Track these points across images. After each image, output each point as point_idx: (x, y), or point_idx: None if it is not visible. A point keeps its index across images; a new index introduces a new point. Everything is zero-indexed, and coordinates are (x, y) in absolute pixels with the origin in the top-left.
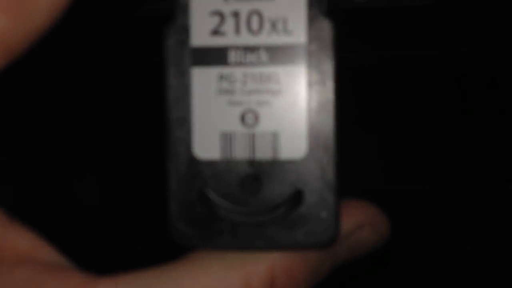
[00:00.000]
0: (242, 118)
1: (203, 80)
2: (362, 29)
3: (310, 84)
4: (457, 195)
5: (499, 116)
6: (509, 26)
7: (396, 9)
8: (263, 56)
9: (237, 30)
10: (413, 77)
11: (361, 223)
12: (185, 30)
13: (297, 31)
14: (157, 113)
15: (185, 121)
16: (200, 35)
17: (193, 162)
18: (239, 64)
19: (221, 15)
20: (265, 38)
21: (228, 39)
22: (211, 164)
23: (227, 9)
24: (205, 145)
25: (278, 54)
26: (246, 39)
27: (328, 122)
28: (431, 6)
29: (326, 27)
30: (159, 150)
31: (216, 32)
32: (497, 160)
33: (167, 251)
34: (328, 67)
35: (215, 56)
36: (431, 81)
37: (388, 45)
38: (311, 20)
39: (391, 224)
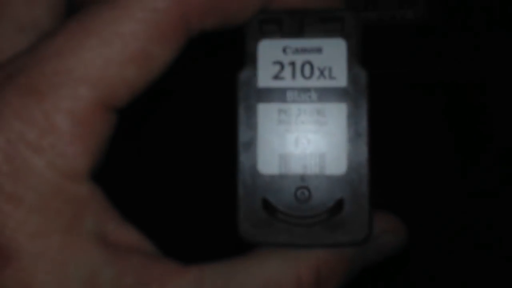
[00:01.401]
0: (296, 142)
1: (266, 113)
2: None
3: (349, 117)
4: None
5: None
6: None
7: (387, 27)
8: (313, 95)
9: (293, 75)
10: (398, 95)
11: (386, 229)
12: (253, 75)
13: (340, 77)
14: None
15: (252, 144)
16: (265, 79)
17: (257, 176)
18: (295, 101)
19: (281, 64)
20: (315, 82)
21: (286, 82)
22: (271, 178)
23: (286, 59)
24: (267, 163)
25: (325, 94)
26: (300, 82)
27: (362, 146)
28: (422, 25)
29: (361, 75)
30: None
31: (277, 77)
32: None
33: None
34: (363, 104)
35: (276, 95)
36: (419, 98)
37: (379, 63)
38: (350, 69)
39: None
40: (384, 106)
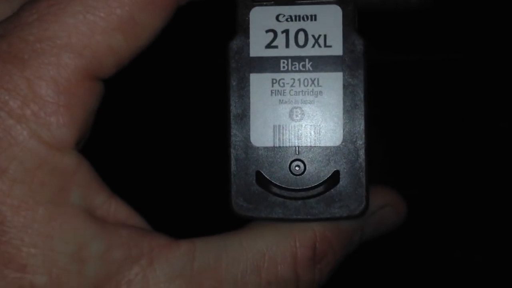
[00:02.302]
0: (291, 114)
1: (259, 84)
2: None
3: (345, 87)
4: (447, 199)
5: (491, 121)
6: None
7: (391, 13)
8: (308, 64)
9: (287, 44)
10: (405, 82)
11: (384, 203)
12: (245, 44)
13: (335, 45)
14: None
15: (244, 116)
16: (257, 48)
17: (250, 149)
18: (288, 71)
19: (274, 32)
20: (309, 50)
21: (279, 51)
22: (265, 150)
23: (279, 27)
24: (260, 135)
25: (320, 63)
26: (294, 51)
27: (359, 116)
28: (426, 10)
29: (358, 42)
30: (220, 139)
31: (270, 45)
32: (484, 163)
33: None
34: (359, 73)
35: (269, 65)
36: (425, 86)
37: (385, 49)
38: (346, 36)
39: None
40: (390, 92)
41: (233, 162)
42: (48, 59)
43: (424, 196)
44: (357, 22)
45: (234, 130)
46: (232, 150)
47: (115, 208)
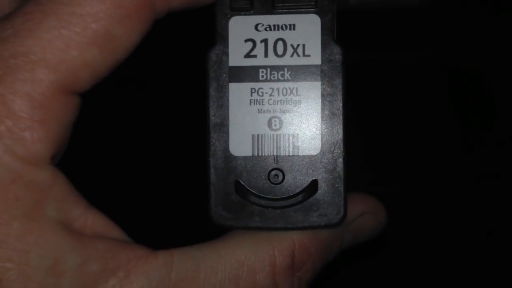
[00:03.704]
0: (269, 123)
1: (238, 93)
2: (357, 30)
3: (323, 96)
4: (431, 196)
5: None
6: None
7: (391, 10)
8: (286, 74)
9: (266, 53)
10: (403, 80)
11: (363, 211)
12: (224, 53)
13: (314, 54)
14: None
15: (223, 125)
16: (236, 57)
17: (229, 158)
18: (267, 80)
19: (253, 42)
20: (288, 60)
21: (258, 60)
22: (243, 160)
23: (258, 37)
24: (239, 145)
25: (298, 72)
26: (273, 60)
27: (337, 126)
28: (427, 8)
29: (336, 52)
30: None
31: (249, 55)
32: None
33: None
34: (337, 83)
35: (248, 74)
36: (423, 83)
37: (383, 46)
38: (324, 46)
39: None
40: (389, 90)
41: (212, 171)
42: (23, 74)
43: (405, 194)
44: (336, 31)
45: (213, 140)
46: (211, 159)
47: (92, 221)
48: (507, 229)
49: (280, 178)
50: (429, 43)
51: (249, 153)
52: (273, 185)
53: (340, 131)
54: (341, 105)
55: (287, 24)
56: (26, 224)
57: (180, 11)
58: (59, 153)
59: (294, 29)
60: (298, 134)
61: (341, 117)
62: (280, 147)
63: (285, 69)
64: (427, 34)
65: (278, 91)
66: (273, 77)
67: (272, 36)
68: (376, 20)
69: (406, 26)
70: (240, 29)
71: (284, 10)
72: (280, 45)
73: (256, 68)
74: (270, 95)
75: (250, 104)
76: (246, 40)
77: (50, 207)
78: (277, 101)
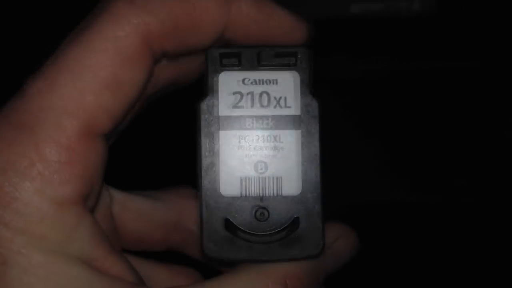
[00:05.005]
0: (256, 167)
1: (227, 140)
2: (359, 39)
3: (302, 143)
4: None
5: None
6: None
7: (393, 19)
8: (270, 123)
9: (252, 104)
10: (410, 89)
11: (337, 236)
12: (214, 104)
13: (294, 106)
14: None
15: (213, 168)
16: (225, 107)
17: (219, 197)
18: (253, 128)
19: (240, 94)
20: (272, 110)
21: (245, 111)
22: (232, 199)
23: (244, 90)
24: (228, 186)
25: (281, 121)
26: (258, 111)
27: (316, 168)
28: (430, 16)
29: (313, 104)
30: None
31: (237, 106)
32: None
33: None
34: (315, 131)
35: (236, 123)
36: (430, 93)
37: (388, 56)
38: (303, 98)
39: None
40: (389, 100)
41: (204, 209)
42: (50, 124)
43: (423, 204)
44: (313, 85)
45: (205, 181)
46: (202, 199)
47: (112, 262)
48: None
49: (266, 216)
50: (431, 52)
51: (237, 194)
52: (259, 222)
53: (318, 174)
54: (318, 150)
55: (270, 79)
56: (49, 257)
57: (175, 54)
58: (91, 193)
59: (276, 83)
60: (281, 177)
61: (318, 161)
62: (265, 188)
63: (269, 119)
64: (430, 43)
65: (263, 138)
66: (259, 125)
67: (257, 89)
68: (378, 29)
69: (410, 35)
70: (229, 82)
71: (268, 67)
72: (264, 97)
73: (243, 118)
74: (256, 141)
75: (238, 150)
76: (234, 93)
77: (73, 245)
78: (262, 147)
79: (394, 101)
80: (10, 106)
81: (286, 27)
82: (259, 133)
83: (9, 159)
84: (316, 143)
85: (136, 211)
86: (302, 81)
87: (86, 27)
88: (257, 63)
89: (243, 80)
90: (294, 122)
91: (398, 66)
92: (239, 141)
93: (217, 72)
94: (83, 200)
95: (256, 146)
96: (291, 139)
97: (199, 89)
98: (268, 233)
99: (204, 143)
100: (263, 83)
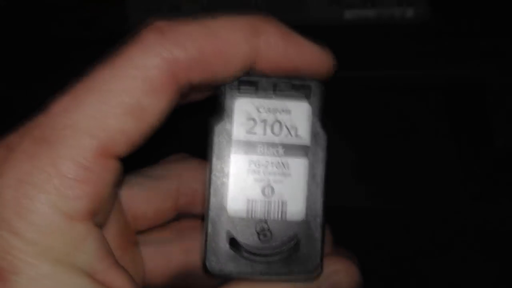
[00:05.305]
0: (263, 190)
1: (238, 163)
2: (352, 46)
3: (309, 171)
4: (426, 213)
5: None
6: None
7: (387, 26)
8: (280, 150)
9: (264, 131)
10: (399, 96)
11: (338, 269)
12: (229, 128)
13: (304, 136)
14: None
15: (223, 188)
16: (239, 132)
17: (226, 217)
18: (264, 154)
19: (254, 121)
20: (283, 138)
21: (258, 137)
22: (239, 220)
23: (258, 117)
24: (236, 206)
25: (290, 150)
26: (270, 138)
27: (319, 196)
28: (423, 24)
29: (322, 136)
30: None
31: (250, 131)
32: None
33: None
34: (321, 161)
35: (248, 148)
36: (421, 100)
37: (377, 63)
38: (313, 130)
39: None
40: (383, 107)
41: (210, 226)
42: (70, 142)
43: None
44: (323, 116)
45: (214, 199)
46: (210, 215)
47: (114, 276)
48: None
49: (269, 237)
50: (424, 59)
51: (244, 215)
52: (262, 243)
53: (321, 202)
54: (323, 179)
55: (284, 109)
56: (55, 268)
57: (200, 86)
58: (101, 210)
59: (289, 113)
60: (286, 202)
61: (322, 190)
62: (270, 211)
63: (280, 146)
64: (423, 50)
65: (273, 164)
66: (269, 152)
67: (270, 117)
68: (371, 36)
69: (402, 42)
70: (245, 109)
71: (282, 97)
72: (277, 125)
73: (255, 143)
74: (266, 167)
75: (248, 173)
76: (248, 119)
77: (80, 258)
78: (271, 172)
79: (381, 106)
80: (35, 121)
81: (313, 59)
82: (269, 159)
83: (28, 172)
84: (321, 173)
85: (143, 193)
86: (313, 113)
87: (118, 54)
88: (273, 92)
89: (258, 108)
90: (303, 151)
91: (388, 73)
92: (249, 165)
93: (234, 98)
94: (93, 216)
95: (265, 171)
96: (298, 166)
97: (215, 109)
98: (270, 253)
99: (216, 164)
100: (276, 112)
